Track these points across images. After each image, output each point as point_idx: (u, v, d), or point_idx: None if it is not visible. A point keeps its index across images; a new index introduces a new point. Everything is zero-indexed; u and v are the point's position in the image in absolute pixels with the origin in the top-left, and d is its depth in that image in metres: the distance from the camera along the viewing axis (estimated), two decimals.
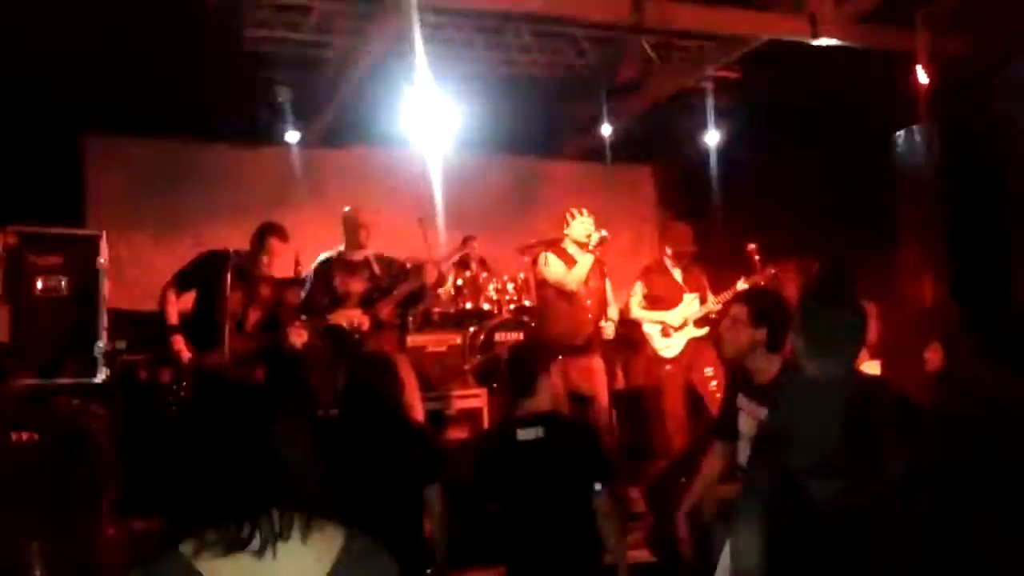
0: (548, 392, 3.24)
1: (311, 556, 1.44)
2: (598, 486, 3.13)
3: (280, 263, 4.88)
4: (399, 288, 5.08)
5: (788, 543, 2.04)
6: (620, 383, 6.68)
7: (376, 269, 5.13)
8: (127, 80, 6.37)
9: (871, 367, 5.76)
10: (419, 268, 5.16)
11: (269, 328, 4.76)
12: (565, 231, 5.38)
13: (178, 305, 4.74)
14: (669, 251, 5.78)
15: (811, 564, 2.04)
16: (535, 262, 5.60)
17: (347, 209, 5.27)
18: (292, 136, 6.57)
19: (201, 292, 4.77)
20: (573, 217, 5.36)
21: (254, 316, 4.82)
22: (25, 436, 4.12)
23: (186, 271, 4.83)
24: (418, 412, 4.95)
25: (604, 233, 5.20)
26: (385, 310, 5.04)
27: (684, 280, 5.75)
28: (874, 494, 2.01)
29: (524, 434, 3.09)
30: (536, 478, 3.06)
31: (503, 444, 3.13)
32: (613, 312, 5.36)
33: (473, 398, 5.75)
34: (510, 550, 3.09)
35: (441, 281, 5.47)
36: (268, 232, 4.83)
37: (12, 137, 6.23)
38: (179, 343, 4.59)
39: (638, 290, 5.72)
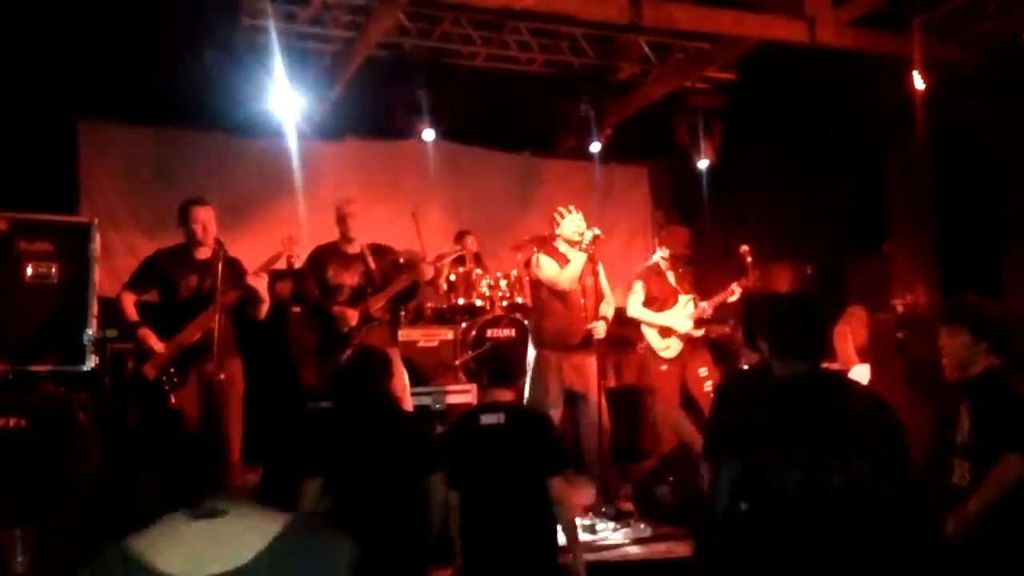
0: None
1: (250, 531, 1.51)
2: (552, 471, 3.41)
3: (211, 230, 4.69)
4: (392, 284, 5.06)
5: (757, 529, 2.11)
6: (612, 382, 6.69)
7: (371, 263, 5.11)
8: (123, 67, 6.35)
9: (861, 370, 5.79)
10: (414, 265, 5.13)
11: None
12: (556, 230, 5.35)
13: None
14: (665, 252, 5.77)
15: (779, 550, 2.11)
16: (527, 263, 5.58)
17: (338, 201, 5.27)
18: (288, 127, 6.55)
19: (161, 290, 4.69)
20: (563, 216, 5.32)
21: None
22: (12, 422, 4.11)
23: (137, 276, 4.74)
24: (407, 406, 4.95)
25: (597, 231, 5.18)
26: (376, 305, 5.03)
27: (677, 282, 5.74)
28: (841, 487, 2.07)
29: (487, 419, 3.38)
30: (496, 462, 3.33)
31: (467, 428, 3.41)
32: (609, 310, 5.34)
33: (463, 393, 5.74)
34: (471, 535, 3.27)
35: (436, 277, 5.45)
36: (187, 205, 4.73)
37: (6, 122, 6.21)
38: (148, 336, 4.50)
39: (639, 289, 5.69)
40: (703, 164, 7.32)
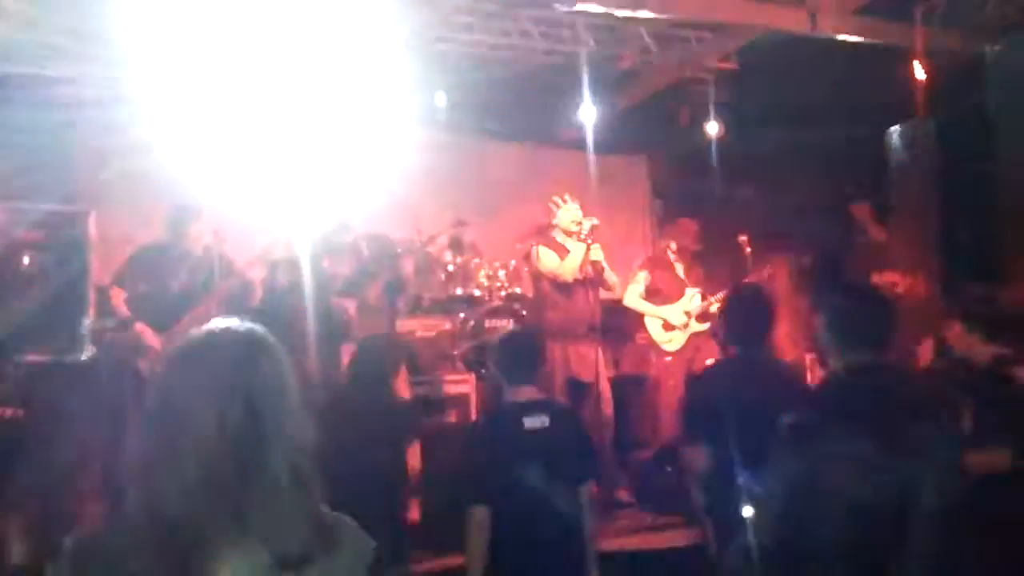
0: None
1: None
2: (588, 476, 3.21)
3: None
4: (383, 274, 5.06)
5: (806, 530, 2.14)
6: (610, 372, 6.66)
7: (364, 251, 5.11)
8: None
9: None
10: (400, 257, 5.14)
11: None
12: (552, 220, 5.33)
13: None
14: (673, 245, 5.76)
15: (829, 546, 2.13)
16: (527, 255, 5.57)
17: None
18: None
19: (150, 284, 4.68)
20: (558, 206, 5.32)
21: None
22: (9, 412, 4.11)
23: (125, 271, 4.73)
24: (405, 394, 4.94)
25: (595, 221, 5.17)
26: (373, 293, 5.03)
27: (686, 275, 5.73)
28: (895, 481, 2.08)
29: (531, 422, 3.06)
30: (540, 466, 3.02)
31: (510, 430, 3.08)
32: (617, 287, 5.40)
33: (461, 383, 5.73)
34: (504, 539, 3.05)
35: (431, 265, 5.45)
36: (182, 216, 4.72)
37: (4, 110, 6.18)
38: (144, 332, 4.48)
39: (641, 279, 5.68)
40: (703, 153, 7.28)
